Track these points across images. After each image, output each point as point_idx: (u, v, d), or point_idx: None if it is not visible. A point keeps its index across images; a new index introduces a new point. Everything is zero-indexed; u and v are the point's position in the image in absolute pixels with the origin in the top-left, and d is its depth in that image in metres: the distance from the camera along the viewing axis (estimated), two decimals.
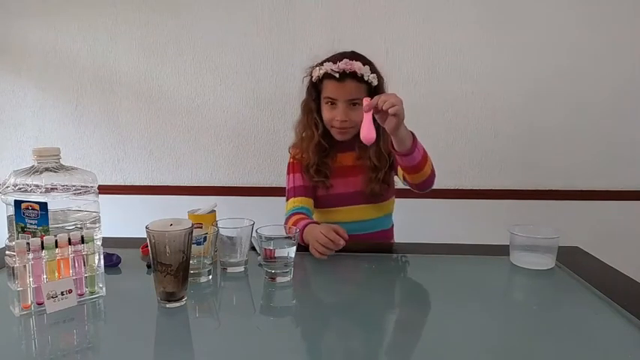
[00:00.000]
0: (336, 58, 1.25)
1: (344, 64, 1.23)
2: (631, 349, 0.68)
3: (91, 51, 2.08)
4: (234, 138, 2.10)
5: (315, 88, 1.32)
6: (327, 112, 1.30)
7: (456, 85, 2.00)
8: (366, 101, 1.06)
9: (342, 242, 1.05)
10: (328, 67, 1.25)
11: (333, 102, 1.27)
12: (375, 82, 1.26)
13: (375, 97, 1.04)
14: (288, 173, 1.39)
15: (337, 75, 1.23)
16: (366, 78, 1.24)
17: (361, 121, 1.11)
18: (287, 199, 1.36)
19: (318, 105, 1.32)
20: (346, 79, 1.23)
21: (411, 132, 1.12)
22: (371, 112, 1.05)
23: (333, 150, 1.35)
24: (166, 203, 2.10)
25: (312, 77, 1.31)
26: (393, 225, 1.45)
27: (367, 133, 1.05)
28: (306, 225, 1.15)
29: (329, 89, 1.27)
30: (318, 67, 1.28)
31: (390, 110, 1.01)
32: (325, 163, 1.33)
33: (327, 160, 1.34)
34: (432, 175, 1.21)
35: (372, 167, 1.31)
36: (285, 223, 1.29)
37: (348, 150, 1.35)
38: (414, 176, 1.19)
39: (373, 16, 1.98)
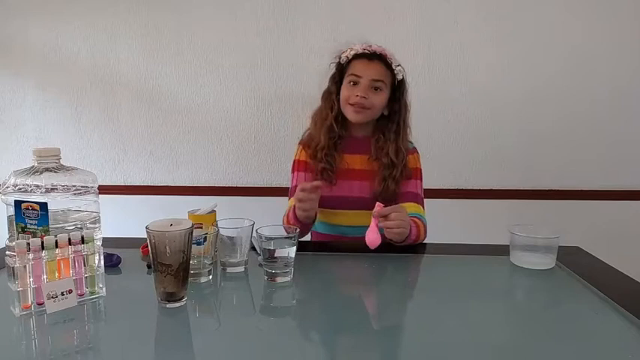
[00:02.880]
0: (366, 44, 1.32)
1: (376, 47, 1.30)
2: (631, 349, 0.68)
3: (91, 51, 2.08)
4: (234, 138, 2.10)
5: (339, 71, 1.34)
6: (346, 90, 1.30)
7: (455, 85, 2.00)
8: (378, 207, 1.09)
9: (307, 188, 1.12)
10: (360, 47, 1.31)
11: (356, 81, 1.29)
12: (399, 76, 1.32)
13: (389, 209, 1.09)
14: (293, 171, 1.40)
15: (368, 53, 1.29)
16: (394, 65, 1.31)
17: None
18: (289, 197, 1.37)
19: (337, 89, 1.34)
20: (375, 59, 1.29)
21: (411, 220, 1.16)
22: (378, 218, 1.09)
23: (341, 146, 1.34)
24: (166, 203, 2.10)
25: (340, 59, 1.34)
26: None
27: (374, 240, 1.09)
28: (294, 209, 1.21)
29: (356, 67, 1.30)
30: (348, 49, 1.32)
31: (394, 231, 1.09)
32: (333, 155, 1.33)
33: (335, 153, 1.33)
34: (420, 242, 1.25)
35: (388, 164, 1.30)
36: (283, 219, 1.30)
37: (357, 152, 1.35)
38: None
39: (373, 16, 1.97)
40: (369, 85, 1.27)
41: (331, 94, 1.34)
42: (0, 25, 2.09)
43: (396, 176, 1.30)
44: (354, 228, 1.33)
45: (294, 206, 1.19)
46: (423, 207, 1.34)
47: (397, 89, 1.32)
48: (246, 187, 2.11)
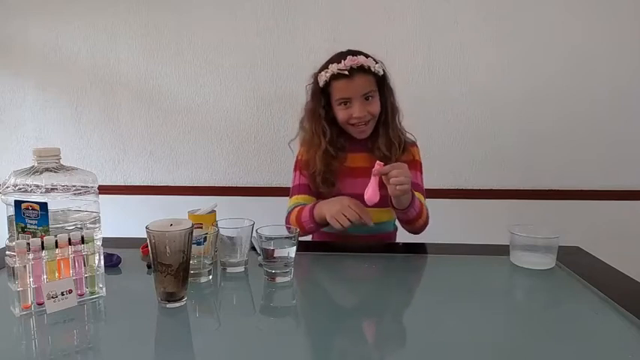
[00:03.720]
0: (339, 58, 1.25)
1: (350, 61, 1.23)
2: (631, 349, 0.68)
3: (91, 51, 2.08)
4: (234, 138, 2.10)
5: (322, 93, 1.30)
6: (342, 113, 1.27)
7: (455, 85, 2.00)
8: (378, 165, 1.10)
9: (371, 223, 1.12)
10: (334, 67, 1.24)
11: (346, 102, 1.26)
12: (381, 72, 1.28)
13: (388, 167, 1.09)
14: (295, 170, 1.39)
15: (347, 72, 1.23)
16: (373, 69, 1.25)
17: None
18: (290, 196, 1.36)
19: (326, 111, 1.30)
20: (355, 74, 1.24)
21: (412, 191, 1.17)
22: (379, 176, 1.10)
23: (343, 151, 1.34)
24: (166, 203, 2.10)
25: (318, 83, 1.29)
26: (396, 229, 1.44)
27: (372, 195, 1.10)
28: (315, 204, 1.21)
29: (340, 90, 1.26)
30: (323, 72, 1.27)
31: (397, 187, 1.08)
32: (332, 171, 1.31)
33: (333, 167, 1.31)
34: (424, 226, 1.29)
35: (381, 157, 1.29)
36: (287, 217, 1.30)
37: (359, 151, 1.34)
38: (404, 225, 1.29)
39: (373, 16, 1.98)
40: (362, 101, 1.25)
41: (320, 119, 1.30)
42: (0, 25, 2.09)
43: None
44: (357, 226, 1.33)
45: (315, 206, 1.21)
46: (425, 197, 1.34)
47: (381, 84, 1.30)
48: (246, 187, 2.11)
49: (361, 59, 1.24)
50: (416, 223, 1.26)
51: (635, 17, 1.92)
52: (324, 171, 1.30)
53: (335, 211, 1.14)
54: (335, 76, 1.25)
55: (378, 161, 1.13)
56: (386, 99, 1.31)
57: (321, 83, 1.28)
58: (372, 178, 1.11)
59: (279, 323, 0.81)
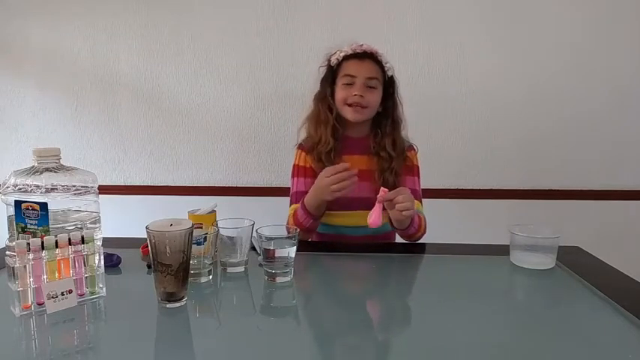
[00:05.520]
0: (355, 43, 1.33)
1: (365, 46, 1.32)
2: (631, 349, 0.68)
3: (91, 51, 2.08)
4: (234, 138, 2.10)
5: (331, 73, 1.35)
6: (342, 91, 1.31)
7: (455, 85, 1.99)
8: (383, 192, 1.10)
9: (354, 174, 1.12)
10: (348, 49, 1.32)
11: (350, 81, 1.30)
12: (390, 73, 1.34)
13: (393, 193, 1.09)
14: (293, 176, 1.39)
15: (359, 52, 1.30)
16: (384, 62, 1.32)
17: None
18: (290, 204, 1.37)
19: (332, 91, 1.35)
20: (366, 58, 1.31)
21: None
22: (383, 202, 1.10)
23: (339, 148, 1.34)
24: (166, 203, 2.10)
25: (330, 62, 1.35)
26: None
27: (375, 220, 1.10)
28: (303, 201, 1.23)
29: (349, 68, 1.31)
30: (337, 51, 1.34)
31: (403, 213, 1.09)
32: (338, 156, 1.33)
33: (337, 146, 1.34)
34: (421, 237, 1.30)
35: (386, 158, 1.32)
36: (287, 223, 1.30)
37: (355, 153, 1.35)
38: (401, 237, 1.30)
39: (373, 16, 1.97)
40: (364, 84, 1.29)
41: (327, 97, 1.35)
42: (0, 25, 2.09)
43: (395, 168, 1.31)
44: (354, 228, 1.33)
45: (303, 203, 1.22)
46: (421, 203, 1.36)
47: (389, 86, 1.35)
48: (246, 187, 2.11)
49: (375, 49, 1.32)
50: (414, 237, 1.28)
51: (635, 17, 1.92)
52: (334, 148, 1.32)
53: (325, 187, 1.14)
54: (347, 57, 1.32)
55: (382, 187, 1.12)
56: (392, 104, 1.35)
57: (333, 63, 1.34)
58: (377, 204, 1.11)
59: (279, 323, 0.81)
